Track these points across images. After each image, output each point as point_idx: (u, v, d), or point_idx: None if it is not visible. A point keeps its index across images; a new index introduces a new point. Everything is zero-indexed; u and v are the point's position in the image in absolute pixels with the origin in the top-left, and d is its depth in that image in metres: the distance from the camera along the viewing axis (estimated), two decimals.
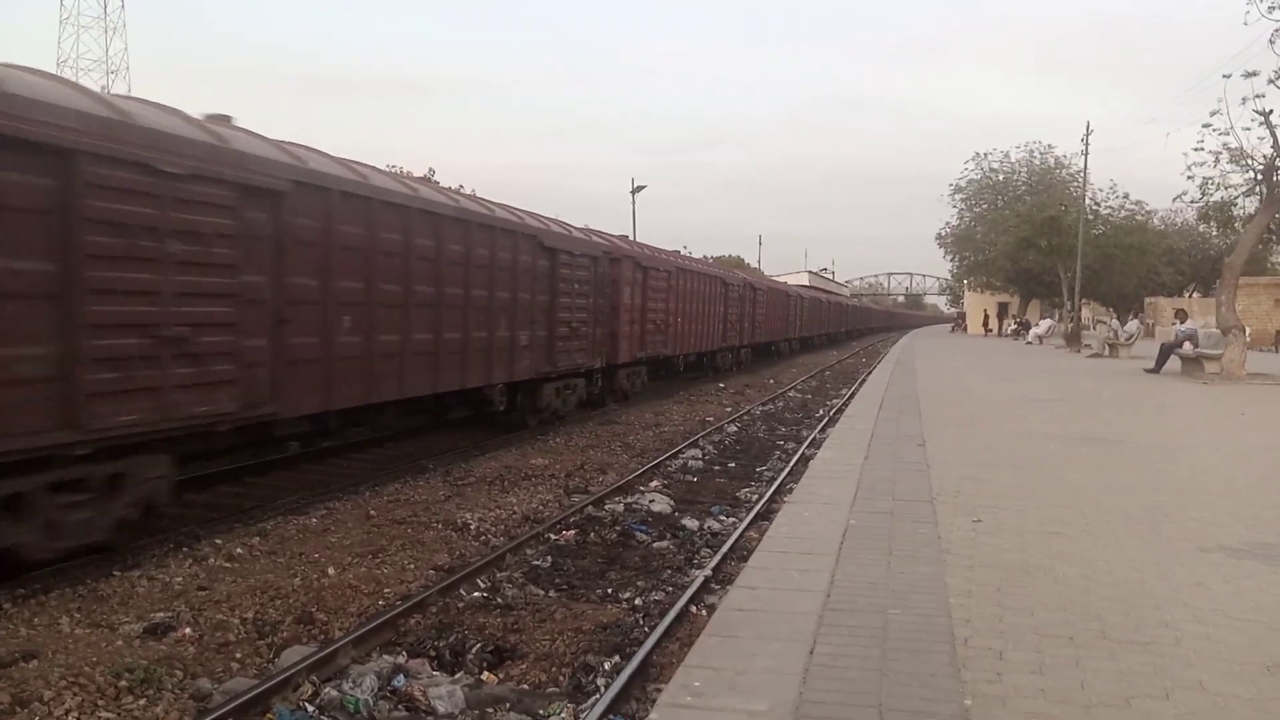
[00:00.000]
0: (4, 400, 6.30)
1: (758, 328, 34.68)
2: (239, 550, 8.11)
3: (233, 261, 8.15)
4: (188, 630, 6.22)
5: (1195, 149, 23.56)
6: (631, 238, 27.79)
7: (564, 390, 16.62)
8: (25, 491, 6.65)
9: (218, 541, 8.32)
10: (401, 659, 6.00)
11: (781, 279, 62.34)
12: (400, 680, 5.65)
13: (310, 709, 5.23)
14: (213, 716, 4.91)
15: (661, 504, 10.49)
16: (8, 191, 6.30)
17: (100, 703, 5.13)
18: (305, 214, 9.21)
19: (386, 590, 7.19)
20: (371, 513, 9.63)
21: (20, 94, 6.44)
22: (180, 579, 7.29)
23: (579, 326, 16.55)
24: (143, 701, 5.19)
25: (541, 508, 10.22)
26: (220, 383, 8.08)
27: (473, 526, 9.23)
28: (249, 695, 5.14)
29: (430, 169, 52.57)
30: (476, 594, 7.28)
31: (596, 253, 17.60)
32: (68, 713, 4.98)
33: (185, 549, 8.08)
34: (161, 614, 6.48)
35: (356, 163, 11.11)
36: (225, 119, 9.10)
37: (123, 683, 5.33)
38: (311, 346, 9.38)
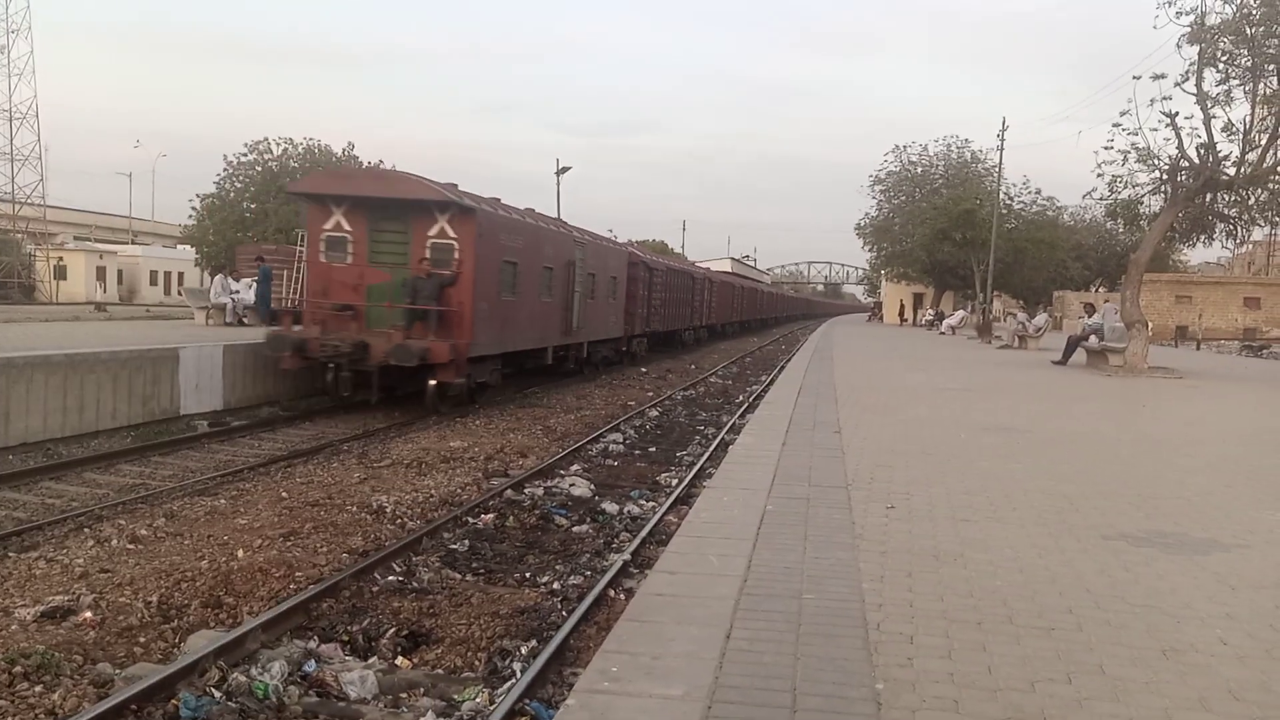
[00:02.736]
0: (631, 321, 28.35)
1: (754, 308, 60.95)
2: (143, 532, 7.87)
3: (640, 291, 29.68)
4: (88, 614, 6.02)
5: (1105, 147, 24.20)
6: (557, 218, 29.68)
7: (694, 334, 38.88)
8: (622, 346, 28.01)
9: (121, 523, 8.08)
10: (313, 644, 5.90)
11: (704, 265, 63.11)
12: (311, 665, 5.55)
13: (217, 695, 5.10)
14: (114, 703, 4.76)
15: (581, 488, 10.49)
16: (640, 279, 29.53)
17: None
18: (660, 276, 32.67)
19: (298, 574, 7.04)
20: (283, 494, 9.44)
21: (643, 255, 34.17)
22: (81, 561, 7.05)
23: (700, 308, 38.98)
24: (39, 688, 5.00)
25: (460, 491, 10.12)
26: (649, 320, 31.02)
27: (388, 509, 9.10)
28: (153, 681, 5.01)
29: (350, 143, 51.47)
30: (391, 578, 7.19)
31: (698, 275, 40.81)
32: None
33: (86, 530, 7.82)
34: (61, 597, 6.26)
35: (657, 255, 39.88)
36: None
37: (17, 668, 5.12)
38: (659, 312, 32.33)
